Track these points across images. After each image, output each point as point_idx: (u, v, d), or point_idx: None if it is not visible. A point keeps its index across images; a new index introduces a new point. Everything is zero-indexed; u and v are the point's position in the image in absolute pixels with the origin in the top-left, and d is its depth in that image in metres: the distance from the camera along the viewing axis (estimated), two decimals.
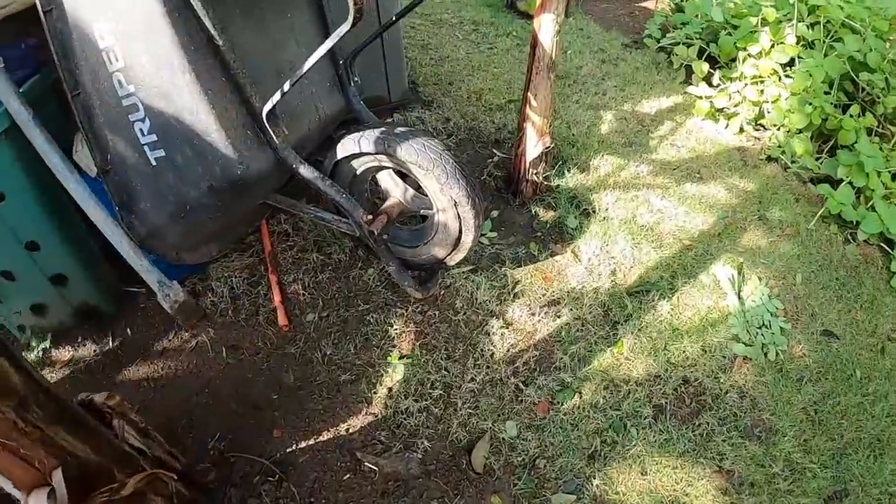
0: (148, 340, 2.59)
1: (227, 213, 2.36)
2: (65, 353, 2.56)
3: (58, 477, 1.33)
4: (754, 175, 3.49)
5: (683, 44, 4.31)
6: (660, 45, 4.53)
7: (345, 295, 2.57)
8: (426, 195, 2.35)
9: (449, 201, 2.22)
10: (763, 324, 2.63)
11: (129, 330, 2.63)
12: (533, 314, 2.52)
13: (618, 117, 3.86)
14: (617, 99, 4.01)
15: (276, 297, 2.53)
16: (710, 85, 4.05)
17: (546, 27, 2.53)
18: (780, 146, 3.63)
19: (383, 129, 2.24)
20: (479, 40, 4.51)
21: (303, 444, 2.14)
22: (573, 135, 3.50)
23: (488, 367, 2.33)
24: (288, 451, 2.12)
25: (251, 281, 2.67)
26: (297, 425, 2.19)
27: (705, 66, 4.06)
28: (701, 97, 3.98)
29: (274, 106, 1.97)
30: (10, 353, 1.23)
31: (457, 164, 2.19)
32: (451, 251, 2.42)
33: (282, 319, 2.46)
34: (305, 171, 2.17)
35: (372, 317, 2.49)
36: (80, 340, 2.59)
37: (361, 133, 2.22)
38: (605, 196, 3.13)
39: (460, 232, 2.34)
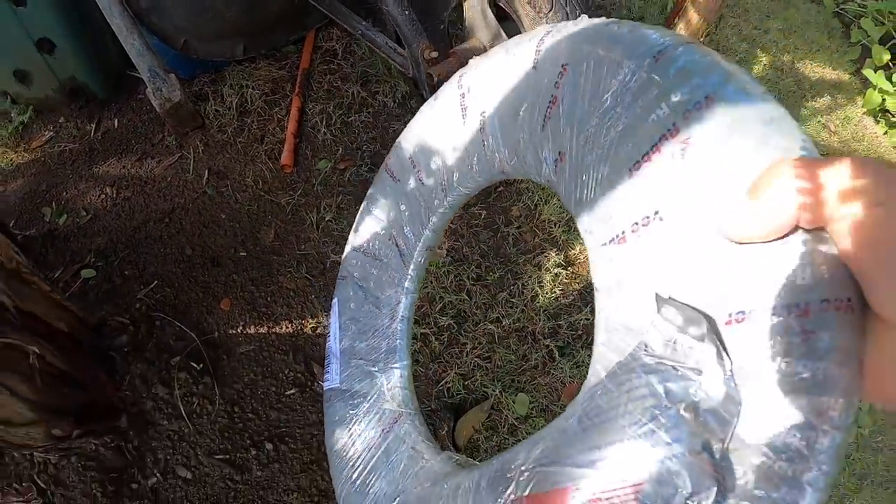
0: (131, 139, 1.99)
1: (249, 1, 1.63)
2: (44, 133, 2.02)
3: None
4: None
5: (872, 19, 3.32)
6: (839, 9, 3.61)
7: (375, 150, 1.83)
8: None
9: None
10: None
11: (116, 121, 2.03)
12: None
13: (774, 65, 3.05)
14: (778, 44, 3.18)
15: (291, 126, 1.83)
16: (890, 80, 3.11)
17: None
18: None
19: None
20: None
21: (251, 330, 1.51)
22: None
23: (523, 310, 1.64)
24: (229, 332, 1.49)
25: (270, 99, 1.97)
26: (253, 302, 1.56)
27: (886, 56, 3.14)
28: (875, 87, 3.04)
29: None
30: None
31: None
32: None
33: (286, 157, 1.77)
34: None
35: None
36: (62, 122, 2.03)
37: None
38: None
39: None
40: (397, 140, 0.76)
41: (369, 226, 0.80)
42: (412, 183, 0.74)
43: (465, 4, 1.65)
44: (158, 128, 2.01)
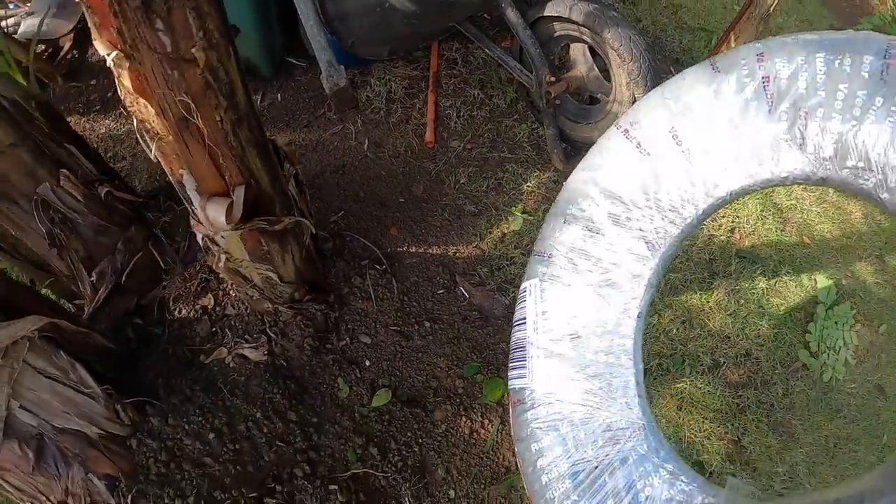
0: (295, 111, 2.64)
1: (420, 22, 2.33)
2: None
3: (239, 193, 1.39)
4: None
5: None
6: None
7: (492, 137, 2.55)
8: (610, 82, 2.28)
9: (630, 98, 2.17)
10: (833, 347, 2.62)
11: (279, 95, 2.67)
12: None
13: None
14: None
15: (430, 114, 2.55)
16: None
17: None
18: None
19: (597, 5, 2.15)
20: None
21: (412, 250, 2.23)
22: None
23: None
24: (398, 250, 2.22)
25: (409, 91, 2.68)
26: (412, 231, 2.28)
27: None
28: None
29: None
30: (243, 72, 1.22)
31: (652, 69, 2.11)
32: None
33: (429, 136, 2.49)
34: (512, 13, 2.12)
35: (510, 167, 2.48)
36: None
37: (574, 0, 2.15)
38: None
39: None
40: (639, 105, 0.67)
41: (590, 196, 0.69)
42: (674, 160, 0.63)
43: (572, 46, 2.38)
44: (318, 105, 2.69)
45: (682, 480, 0.58)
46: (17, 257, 2.02)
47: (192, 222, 1.48)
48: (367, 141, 2.53)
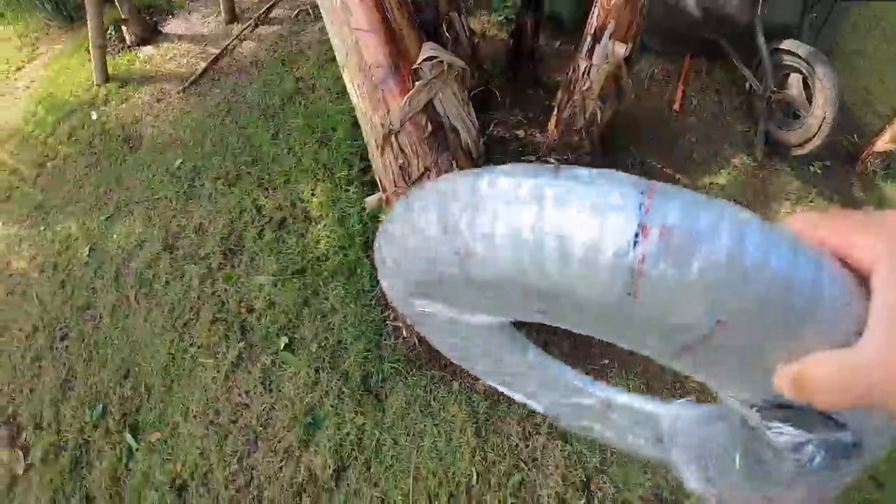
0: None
1: (698, 26, 3.57)
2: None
3: (630, 46, 2.59)
4: None
5: None
6: None
7: (716, 122, 3.73)
8: (810, 104, 3.37)
9: (822, 114, 3.25)
10: None
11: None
12: None
13: None
14: None
15: (680, 92, 3.75)
16: None
17: None
18: None
19: (815, 49, 3.28)
20: None
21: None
22: None
23: None
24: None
25: (665, 78, 3.89)
26: (649, 147, 3.48)
27: None
28: None
29: None
30: None
31: (838, 97, 3.19)
32: (804, 143, 3.46)
33: (678, 104, 3.68)
34: (761, 38, 3.31)
35: (722, 146, 3.65)
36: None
37: (801, 43, 3.30)
38: None
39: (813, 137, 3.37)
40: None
41: (467, 364, 0.80)
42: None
43: (791, 76, 3.52)
44: None
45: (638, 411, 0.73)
46: None
47: (583, 57, 2.72)
48: (633, 95, 3.76)
